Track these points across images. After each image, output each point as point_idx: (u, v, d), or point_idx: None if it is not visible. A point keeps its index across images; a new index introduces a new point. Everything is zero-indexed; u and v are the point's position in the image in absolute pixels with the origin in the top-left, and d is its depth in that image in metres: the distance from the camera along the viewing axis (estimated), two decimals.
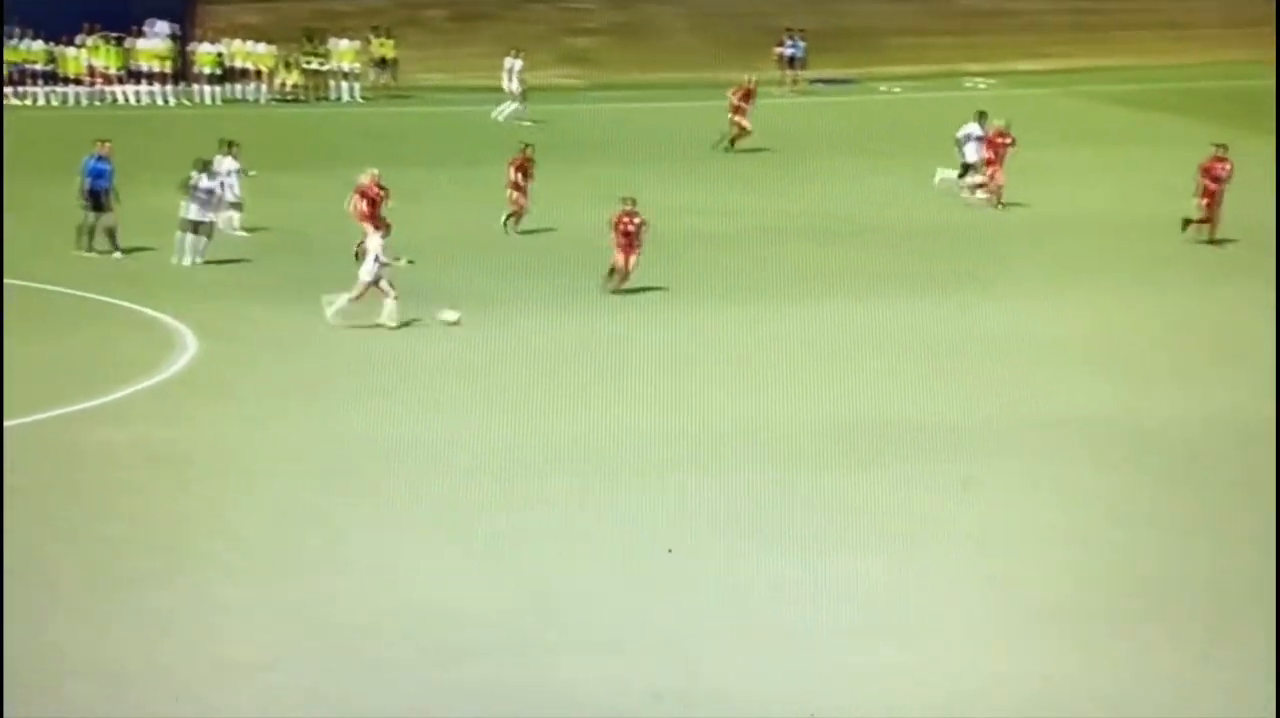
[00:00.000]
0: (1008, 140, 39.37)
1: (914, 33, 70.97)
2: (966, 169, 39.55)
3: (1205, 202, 35.41)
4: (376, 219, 32.32)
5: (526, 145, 37.16)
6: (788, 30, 60.52)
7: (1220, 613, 18.25)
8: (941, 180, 39.62)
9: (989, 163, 38.79)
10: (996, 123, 39.71)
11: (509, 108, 53.47)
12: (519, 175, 36.43)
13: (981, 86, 60.31)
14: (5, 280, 29.72)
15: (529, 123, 51.33)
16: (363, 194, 33.53)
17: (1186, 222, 35.47)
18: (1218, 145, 36.42)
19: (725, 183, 40.60)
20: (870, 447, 23.10)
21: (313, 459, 22.51)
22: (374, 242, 29.48)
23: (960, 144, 39.81)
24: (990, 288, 31.43)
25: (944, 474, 21.90)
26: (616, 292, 30.89)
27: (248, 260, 33.93)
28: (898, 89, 60.26)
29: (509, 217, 36.57)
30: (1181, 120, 51.56)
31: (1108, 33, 70.49)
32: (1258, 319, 28.58)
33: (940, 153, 41.39)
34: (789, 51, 59.75)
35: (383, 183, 33.75)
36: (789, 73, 59.32)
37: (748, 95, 47.24)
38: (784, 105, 55.11)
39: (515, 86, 54.24)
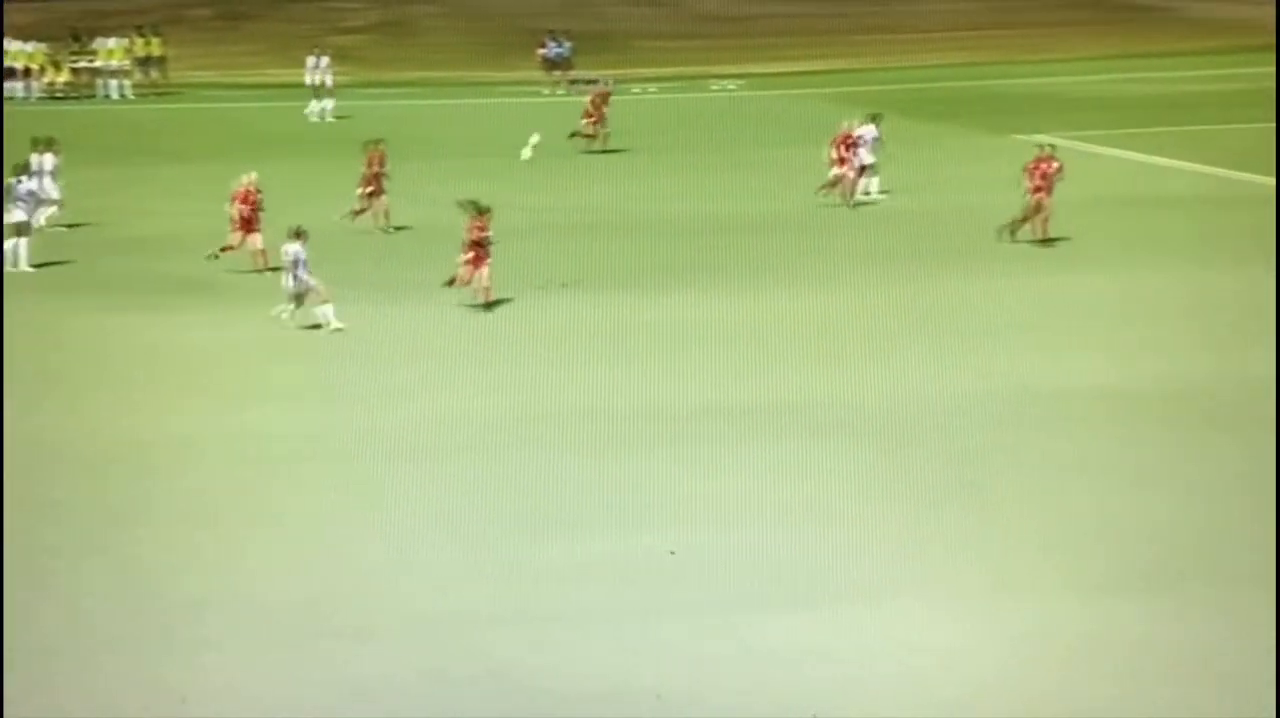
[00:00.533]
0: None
1: (664, 36, 72.96)
2: (864, 169, 39.66)
3: (1035, 200, 35.22)
4: (253, 224, 32.77)
5: (379, 141, 37.19)
6: (550, 32, 61.49)
7: None
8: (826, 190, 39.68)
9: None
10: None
11: (320, 106, 54.53)
12: (376, 170, 36.50)
13: (730, 88, 62.20)
14: None
15: (334, 120, 53.16)
16: (242, 199, 33.14)
17: (1013, 222, 35.28)
18: (1043, 146, 37.02)
19: (502, 180, 40.42)
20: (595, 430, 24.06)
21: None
22: (292, 247, 29.25)
23: (856, 146, 39.73)
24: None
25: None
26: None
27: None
28: (652, 90, 61.70)
29: (359, 212, 36.47)
30: (916, 122, 54.03)
31: (848, 36, 72.99)
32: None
33: (683, 149, 43.20)
34: (552, 52, 60.79)
35: (258, 187, 33.38)
36: (555, 73, 60.41)
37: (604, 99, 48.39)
38: (550, 104, 56.81)
39: (325, 81, 55.14)
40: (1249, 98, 55.69)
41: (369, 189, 36.63)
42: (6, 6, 55.27)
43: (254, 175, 33.69)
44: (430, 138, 49.29)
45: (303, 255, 29.29)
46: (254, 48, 67.37)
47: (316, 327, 28.94)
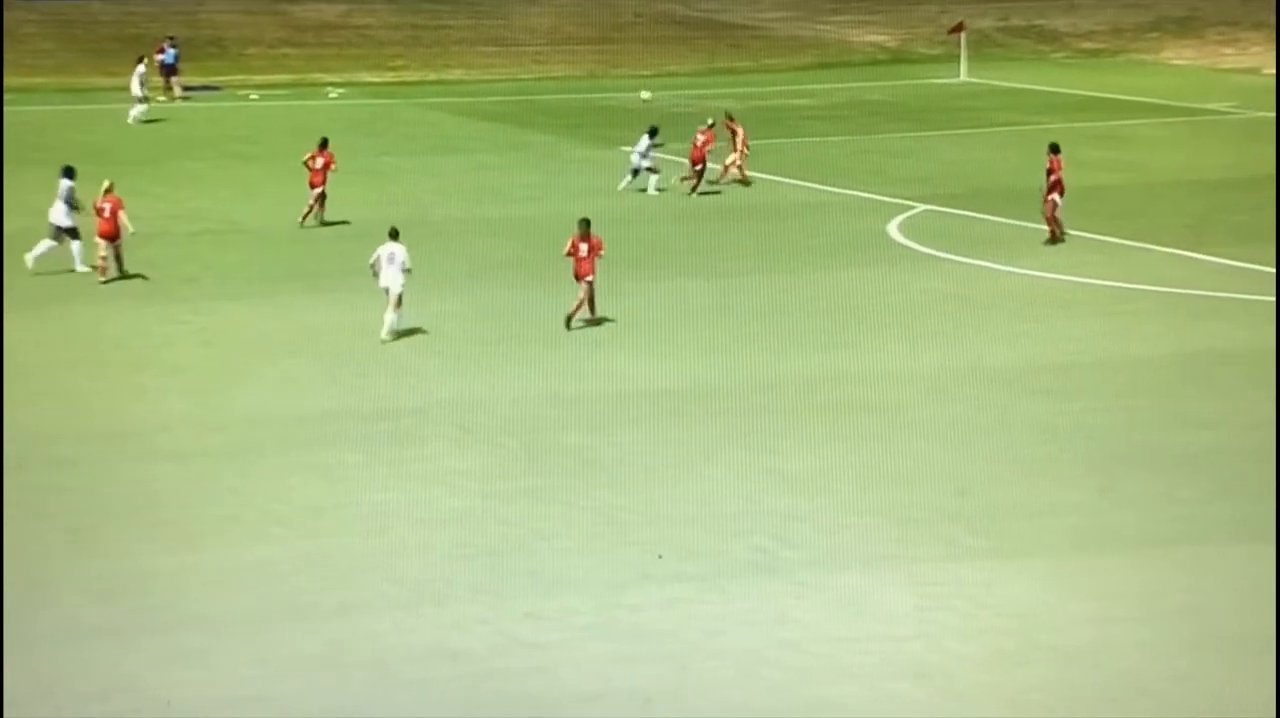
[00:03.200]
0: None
1: (270, 44, 72.03)
2: (636, 172, 41.14)
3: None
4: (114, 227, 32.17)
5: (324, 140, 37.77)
6: (169, 38, 59.63)
7: None
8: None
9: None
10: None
11: (138, 109, 53.36)
12: (320, 166, 36.93)
13: (333, 96, 61.76)
14: None
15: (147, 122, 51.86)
16: (101, 209, 32.48)
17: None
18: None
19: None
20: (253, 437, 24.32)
21: None
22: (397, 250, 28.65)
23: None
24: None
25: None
26: None
27: None
28: (256, 96, 60.94)
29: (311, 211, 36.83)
30: (510, 129, 54.51)
31: (444, 47, 73.11)
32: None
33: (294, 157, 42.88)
34: (168, 58, 59.11)
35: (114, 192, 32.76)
36: (167, 79, 58.94)
37: None
38: (160, 110, 55.58)
39: (139, 90, 53.87)
40: (828, 111, 57.47)
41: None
42: None
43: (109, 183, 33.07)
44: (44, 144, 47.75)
45: (400, 258, 28.59)
46: None
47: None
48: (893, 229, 37.21)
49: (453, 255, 34.57)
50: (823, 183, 42.99)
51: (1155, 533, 20.27)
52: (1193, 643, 17.47)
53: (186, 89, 58.79)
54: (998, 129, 50.48)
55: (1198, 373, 26.53)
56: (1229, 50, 72.05)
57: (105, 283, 32.37)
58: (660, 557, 19.65)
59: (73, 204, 33.26)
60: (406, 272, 28.63)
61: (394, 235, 29.08)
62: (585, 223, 29.53)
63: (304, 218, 37.38)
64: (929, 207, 38.31)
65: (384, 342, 28.43)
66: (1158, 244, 35.05)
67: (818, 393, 25.77)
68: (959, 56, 64.21)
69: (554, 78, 66.44)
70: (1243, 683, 16.66)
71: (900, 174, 42.40)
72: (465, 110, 58.33)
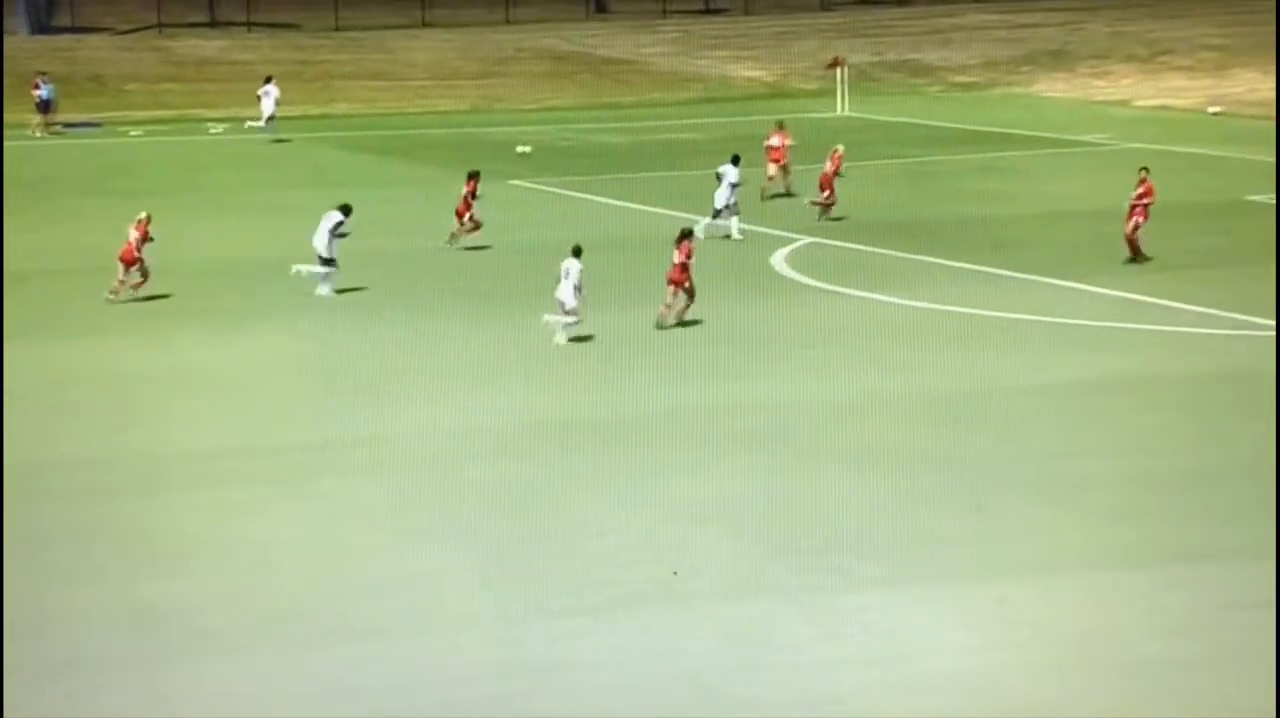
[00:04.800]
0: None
1: (151, 79, 71.41)
2: (718, 212, 39.44)
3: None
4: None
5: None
6: (41, 74, 59.31)
7: None
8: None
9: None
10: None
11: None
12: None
13: (215, 131, 61.28)
14: None
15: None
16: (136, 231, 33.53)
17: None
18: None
19: None
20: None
21: None
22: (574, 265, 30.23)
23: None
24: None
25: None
26: None
27: None
28: (137, 132, 60.44)
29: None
30: (397, 163, 54.44)
31: (327, 81, 72.79)
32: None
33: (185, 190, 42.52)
34: (44, 94, 58.67)
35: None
36: (41, 117, 58.47)
37: None
38: (36, 148, 55.04)
39: None
40: (714, 145, 57.68)
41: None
42: None
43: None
44: None
45: (574, 274, 30.16)
46: None
47: None
48: (778, 261, 37.39)
49: (343, 289, 34.38)
50: (705, 215, 43.12)
51: (1044, 560, 20.42)
52: (1083, 669, 17.60)
53: (66, 125, 58.25)
54: (878, 162, 50.84)
55: (1081, 401, 26.80)
56: (1100, 83, 73.05)
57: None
58: (675, 573, 19.76)
59: (338, 235, 34.09)
60: (577, 288, 30.28)
61: (576, 253, 30.65)
62: (686, 232, 32.06)
63: (454, 236, 38.43)
64: (814, 239, 38.55)
65: (557, 345, 29.89)
66: (1039, 274, 35.41)
67: (713, 423, 25.82)
68: (836, 91, 64.70)
69: (438, 112, 66.40)
70: (1134, 708, 16.81)
71: (784, 206, 42.62)
72: (350, 144, 58.13)
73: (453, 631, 18.47)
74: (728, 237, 39.26)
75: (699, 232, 37.83)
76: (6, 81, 60.46)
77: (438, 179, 50.56)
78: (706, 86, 73.84)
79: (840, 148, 42.93)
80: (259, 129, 57.95)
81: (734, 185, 39.37)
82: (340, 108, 67.54)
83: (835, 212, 41.08)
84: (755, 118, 62.09)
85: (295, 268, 34.25)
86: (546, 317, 30.54)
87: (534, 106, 68.29)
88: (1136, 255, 36.12)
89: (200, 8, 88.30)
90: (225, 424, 26.06)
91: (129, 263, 33.47)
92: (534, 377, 28.48)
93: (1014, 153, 52.39)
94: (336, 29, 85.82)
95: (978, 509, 21.95)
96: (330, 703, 17.02)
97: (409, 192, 48.26)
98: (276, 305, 33.57)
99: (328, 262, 34.11)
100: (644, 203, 45.07)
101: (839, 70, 64.88)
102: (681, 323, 31.32)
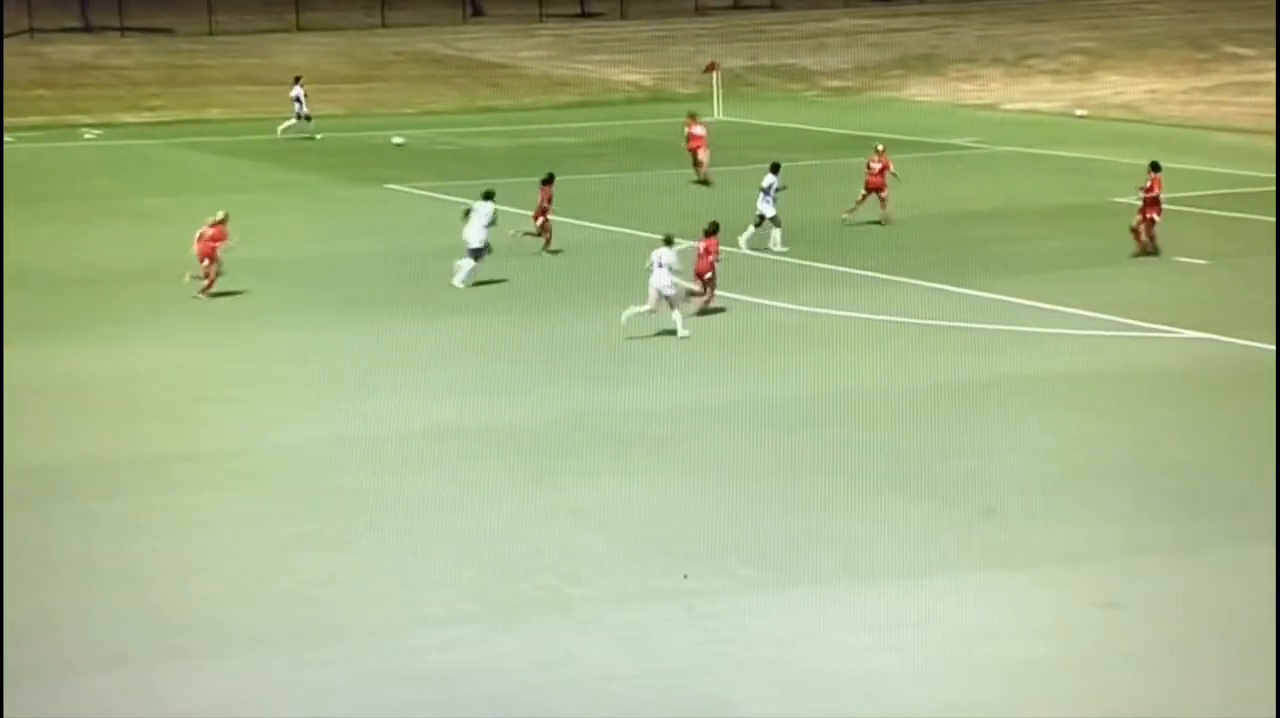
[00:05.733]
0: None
1: (23, 85, 70.24)
2: (762, 220, 38.36)
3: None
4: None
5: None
6: None
7: None
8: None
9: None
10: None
11: None
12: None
13: (89, 137, 60.62)
14: None
15: None
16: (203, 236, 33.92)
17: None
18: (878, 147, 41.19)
19: None
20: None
21: None
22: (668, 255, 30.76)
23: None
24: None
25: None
26: None
27: None
28: (10, 139, 59.54)
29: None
30: (272, 168, 54.02)
31: (202, 86, 72.15)
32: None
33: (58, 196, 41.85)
34: None
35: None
36: None
37: None
38: None
39: None
40: (593, 149, 57.77)
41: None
42: None
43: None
44: None
45: (668, 260, 30.70)
46: None
47: None
48: None
49: (220, 297, 34.08)
50: (591, 220, 43.16)
51: (921, 561, 20.54)
52: (962, 670, 17.72)
53: None
54: (754, 166, 51.00)
55: (956, 402, 27.02)
56: (969, 86, 73.76)
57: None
58: (685, 576, 19.75)
59: (493, 222, 35.11)
60: (675, 273, 30.85)
61: (668, 242, 31.30)
62: (714, 226, 32.69)
63: (544, 242, 38.60)
64: (696, 243, 38.54)
65: (683, 338, 30.62)
66: (912, 278, 35.69)
67: (600, 429, 25.83)
68: (713, 95, 64.90)
69: (315, 115, 66.00)
70: (1016, 708, 16.95)
71: (667, 211, 42.67)
72: (227, 150, 57.64)
73: (338, 641, 18.32)
74: (767, 249, 38.19)
75: (743, 244, 37.68)
76: None
77: (314, 184, 50.37)
78: (584, 90, 73.87)
79: (880, 147, 42.33)
80: (295, 128, 58.22)
81: (776, 191, 38.36)
82: (215, 113, 66.98)
83: (708, 219, 40.90)
84: (634, 121, 62.42)
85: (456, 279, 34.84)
86: (631, 310, 30.82)
87: (412, 110, 68.03)
88: (1146, 249, 36.72)
89: (73, 12, 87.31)
90: (99, 435, 25.71)
91: (207, 258, 33.70)
92: (416, 384, 28.32)
93: (888, 157, 52.73)
94: (210, 33, 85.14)
95: (987, 512, 21.90)
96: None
97: (285, 197, 47.93)
98: (151, 313, 33.17)
99: (477, 253, 35.02)
100: (524, 207, 44.95)
101: (715, 75, 65.09)
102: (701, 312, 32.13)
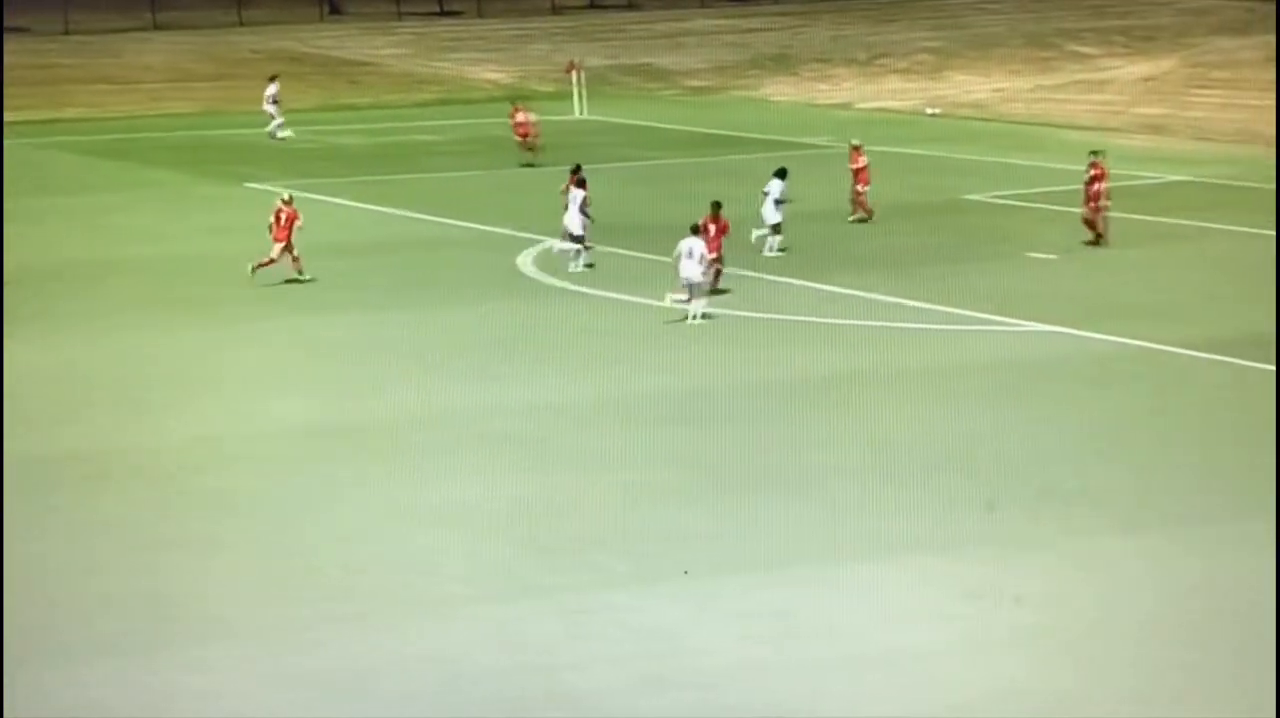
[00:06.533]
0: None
1: None
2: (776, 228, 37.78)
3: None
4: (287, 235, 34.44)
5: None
6: None
7: None
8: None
9: None
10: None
11: None
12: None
13: None
14: None
15: None
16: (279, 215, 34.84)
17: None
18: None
19: None
20: None
21: None
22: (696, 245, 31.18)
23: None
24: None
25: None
26: None
27: None
28: None
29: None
30: (134, 167, 53.31)
31: (57, 86, 71.07)
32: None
33: None
34: None
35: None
36: None
37: None
38: None
39: None
40: (454, 147, 57.61)
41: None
42: None
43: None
44: None
45: (700, 251, 31.26)
46: None
47: None
48: (524, 263, 37.43)
49: (79, 297, 33.65)
50: (453, 218, 43.07)
51: (785, 553, 20.70)
52: (826, 660, 17.86)
53: None
54: (617, 165, 51.19)
55: (816, 397, 27.25)
56: (823, 86, 74.28)
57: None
58: (686, 572, 19.70)
59: (585, 212, 36.26)
60: (704, 262, 31.34)
61: (695, 231, 31.58)
62: (716, 205, 33.11)
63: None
64: (557, 241, 38.61)
65: (693, 323, 31.14)
66: (775, 274, 35.92)
67: (463, 427, 25.75)
68: (574, 94, 64.93)
69: (173, 114, 65.33)
70: (881, 700, 17.13)
71: (528, 209, 42.69)
72: (85, 149, 56.91)
73: (200, 644, 18.12)
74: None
75: (759, 245, 37.53)
76: None
77: (175, 183, 49.82)
78: (444, 89, 73.60)
79: (856, 141, 42.01)
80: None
81: (779, 202, 38.00)
82: (71, 112, 66.04)
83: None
84: (495, 120, 62.20)
85: (553, 246, 36.11)
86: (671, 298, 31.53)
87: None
88: (1101, 238, 37.44)
89: None
90: None
91: (284, 240, 34.47)
92: (273, 384, 28.09)
93: (747, 155, 53.00)
94: (66, 32, 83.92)
95: (989, 508, 21.92)
96: None
97: (146, 196, 47.38)
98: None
99: (578, 239, 36.06)
100: (384, 204, 44.85)
101: (575, 74, 65.11)
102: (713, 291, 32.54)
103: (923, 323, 31.74)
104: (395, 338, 31.07)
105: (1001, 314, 32.10)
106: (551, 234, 38.42)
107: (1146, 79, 68.67)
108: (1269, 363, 28.04)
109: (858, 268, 36.29)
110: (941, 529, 21.33)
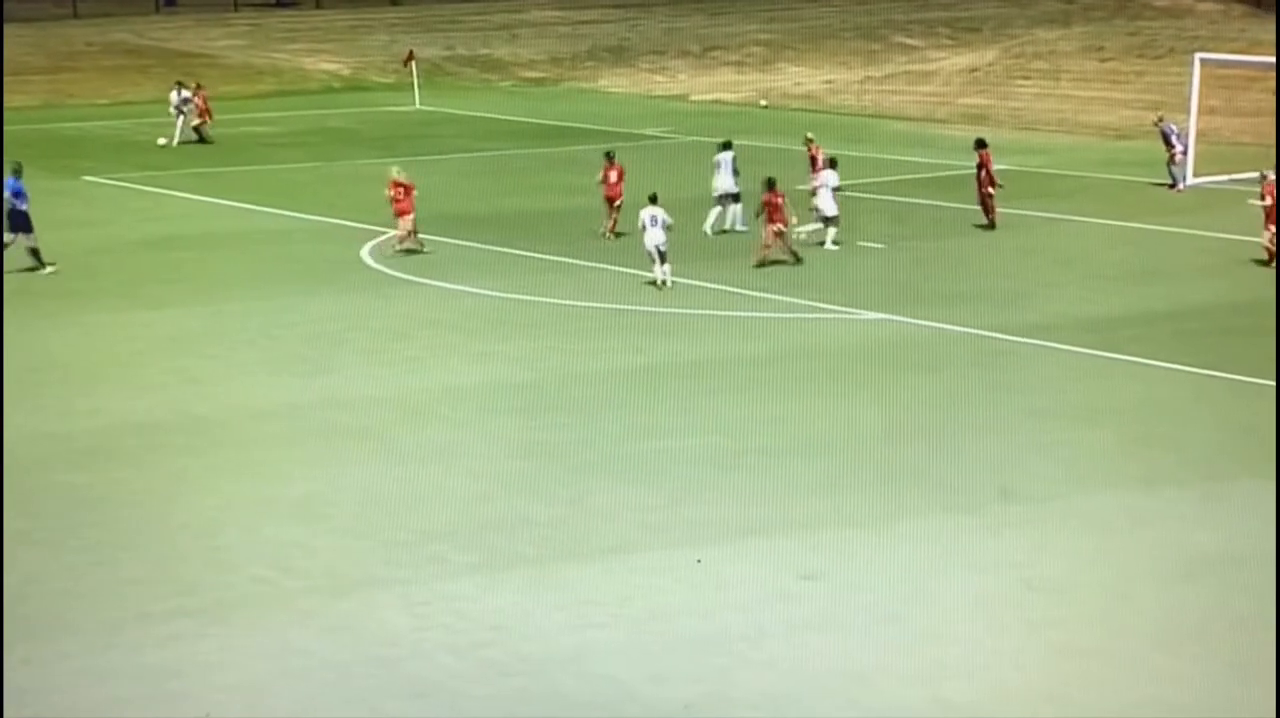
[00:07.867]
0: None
1: None
2: (828, 221, 37.16)
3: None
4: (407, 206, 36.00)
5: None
6: None
7: None
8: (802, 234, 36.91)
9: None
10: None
11: None
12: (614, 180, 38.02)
13: None
14: None
15: None
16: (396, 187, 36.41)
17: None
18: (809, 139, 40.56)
19: None
20: None
21: None
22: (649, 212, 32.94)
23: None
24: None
25: None
26: None
27: None
28: None
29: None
30: None
31: None
32: None
33: None
34: None
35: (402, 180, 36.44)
36: None
37: None
38: None
39: None
40: (291, 139, 57.07)
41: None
42: None
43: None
44: None
45: (661, 217, 32.97)
46: None
47: None
48: (365, 254, 37.20)
49: None
50: (291, 209, 42.69)
51: (622, 540, 20.79)
52: (663, 645, 17.95)
53: None
54: (455, 155, 51.05)
55: (652, 385, 27.37)
56: (659, 77, 74.51)
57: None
58: (699, 561, 19.62)
59: (736, 171, 37.60)
60: (668, 228, 32.96)
61: (653, 199, 33.12)
62: (770, 181, 34.89)
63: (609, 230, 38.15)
64: (396, 231, 38.42)
65: (664, 287, 32.77)
66: (614, 264, 35.98)
67: (308, 419, 25.58)
68: (412, 84, 64.60)
69: (9, 108, 64.03)
70: (718, 682, 17.24)
71: (367, 200, 42.40)
72: None
73: (49, 640, 17.88)
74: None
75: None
76: None
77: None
78: (281, 80, 72.90)
79: (810, 134, 41.83)
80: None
81: (836, 189, 37.65)
82: None
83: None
84: (332, 110, 61.88)
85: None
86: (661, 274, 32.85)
87: (107, 101, 66.47)
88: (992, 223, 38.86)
89: None
90: None
91: (407, 214, 36.02)
92: (112, 378, 27.73)
93: (585, 147, 52.95)
94: None
95: (1002, 495, 21.91)
96: None
97: None
98: None
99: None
100: (223, 197, 44.36)
101: (413, 64, 64.79)
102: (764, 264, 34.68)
103: (761, 311, 31.97)
104: (235, 330, 30.76)
105: (830, 301, 32.42)
106: (391, 224, 38.17)
107: (970, 70, 69.58)
108: (1093, 348, 28.69)
109: (679, 255, 36.37)
110: (777, 512, 21.51)
